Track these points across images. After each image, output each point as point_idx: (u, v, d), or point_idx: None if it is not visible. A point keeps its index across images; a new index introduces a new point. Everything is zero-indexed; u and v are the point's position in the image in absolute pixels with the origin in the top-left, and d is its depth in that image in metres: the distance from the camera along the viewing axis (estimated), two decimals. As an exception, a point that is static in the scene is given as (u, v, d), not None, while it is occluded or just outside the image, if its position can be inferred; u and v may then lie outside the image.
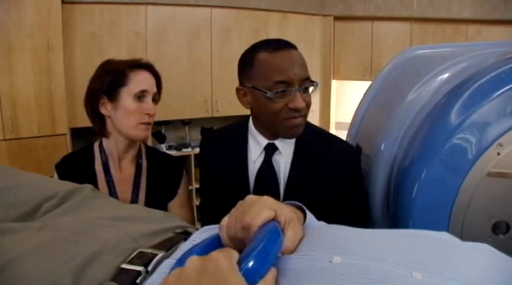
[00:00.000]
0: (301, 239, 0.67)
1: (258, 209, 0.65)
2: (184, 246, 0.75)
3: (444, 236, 0.70)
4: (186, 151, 4.66)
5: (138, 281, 0.71)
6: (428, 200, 1.19)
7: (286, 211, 0.68)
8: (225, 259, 0.53)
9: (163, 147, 4.59)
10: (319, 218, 1.12)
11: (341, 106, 5.94)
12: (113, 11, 4.07)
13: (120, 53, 4.12)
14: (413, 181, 1.22)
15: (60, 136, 3.66)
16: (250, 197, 0.70)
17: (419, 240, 0.67)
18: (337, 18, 5.34)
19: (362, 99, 1.74)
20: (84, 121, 4.29)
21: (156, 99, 1.63)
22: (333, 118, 5.74)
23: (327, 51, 5.38)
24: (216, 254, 0.54)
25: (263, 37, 4.82)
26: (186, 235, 0.86)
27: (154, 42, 4.30)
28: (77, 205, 1.02)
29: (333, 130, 5.71)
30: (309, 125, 1.47)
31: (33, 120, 3.56)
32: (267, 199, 0.68)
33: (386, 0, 5.09)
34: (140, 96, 1.56)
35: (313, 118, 5.39)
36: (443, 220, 1.17)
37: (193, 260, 0.54)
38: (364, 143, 1.65)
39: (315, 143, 1.47)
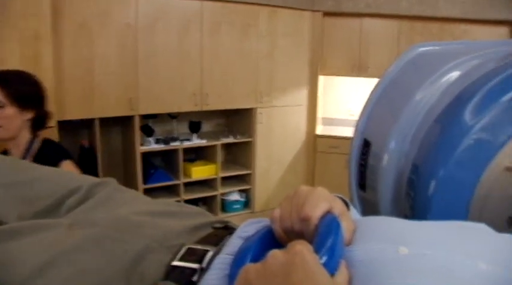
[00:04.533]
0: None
1: (316, 201, 0.64)
2: (233, 242, 0.74)
3: (484, 227, 0.70)
4: (174, 144, 4.61)
5: (194, 279, 0.70)
6: (446, 196, 1.22)
7: (338, 203, 0.67)
8: (309, 252, 0.52)
9: (151, 140, 4.55)
10: None
11: (328, 101, 5.97)
12: (103, 1, 3.99)
13: (110, 45, 4.06)
14: (430, 179, 1.24)
15: (47, 128, 3.57)
16: (302, 188, 0.68)
17: (469, 230, 0.67)
18: (326, 14, 5.36)
19: (369, 96, 1.75)
20: (72, 114, 4.15)
21: (1, 106, 1.92)
22: (320, 114, 5.75)
23: (316, 47, 5.40)
24: (299, 247, 0.52)
25: (253, 31, 4.87)
26: (227, 229, 0.85)
27: (145, 34, 4.23)
28: (104, 200, 0.99)
29: (320, 126, 5.76)
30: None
31: (20, 112, 3.47)
32: (321, 190, 0.67)
33: (376, -3, 5.14)
34: None
35: (300, 113, 5.42)
36: (461, 215, 1.20)
37: (276, 255, 0.52)
38: (372, 139, 1.66)
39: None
